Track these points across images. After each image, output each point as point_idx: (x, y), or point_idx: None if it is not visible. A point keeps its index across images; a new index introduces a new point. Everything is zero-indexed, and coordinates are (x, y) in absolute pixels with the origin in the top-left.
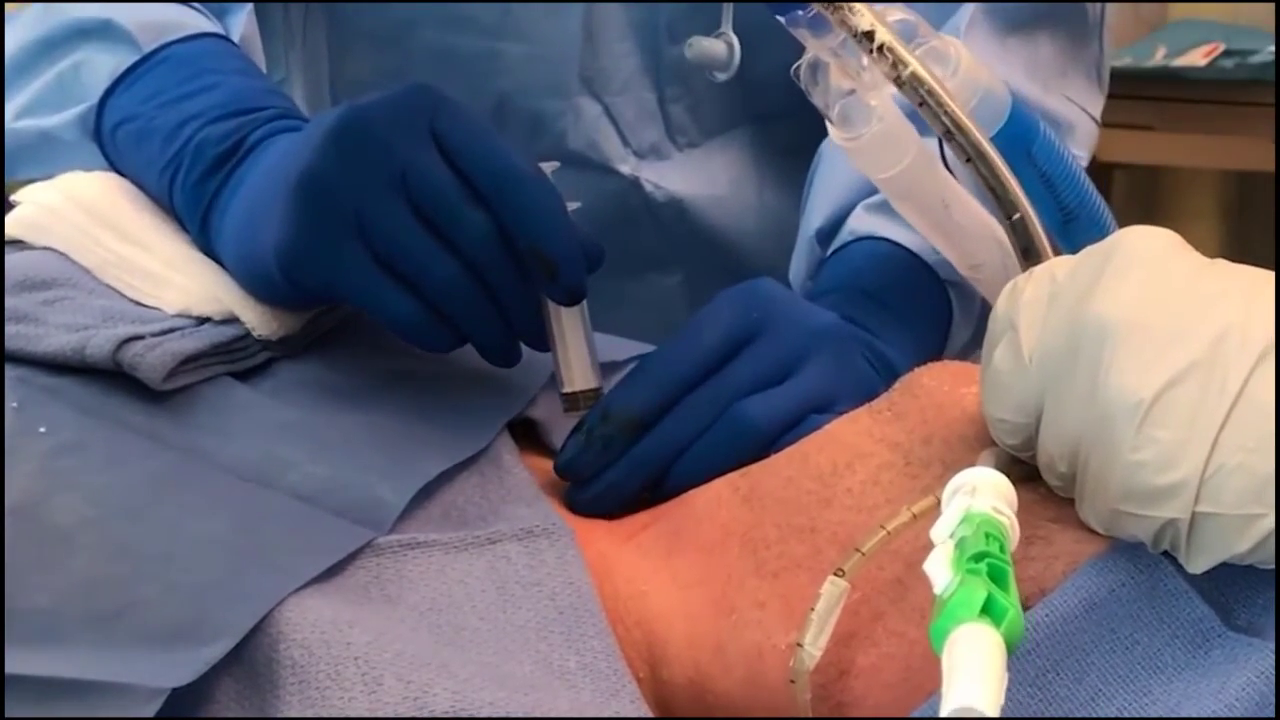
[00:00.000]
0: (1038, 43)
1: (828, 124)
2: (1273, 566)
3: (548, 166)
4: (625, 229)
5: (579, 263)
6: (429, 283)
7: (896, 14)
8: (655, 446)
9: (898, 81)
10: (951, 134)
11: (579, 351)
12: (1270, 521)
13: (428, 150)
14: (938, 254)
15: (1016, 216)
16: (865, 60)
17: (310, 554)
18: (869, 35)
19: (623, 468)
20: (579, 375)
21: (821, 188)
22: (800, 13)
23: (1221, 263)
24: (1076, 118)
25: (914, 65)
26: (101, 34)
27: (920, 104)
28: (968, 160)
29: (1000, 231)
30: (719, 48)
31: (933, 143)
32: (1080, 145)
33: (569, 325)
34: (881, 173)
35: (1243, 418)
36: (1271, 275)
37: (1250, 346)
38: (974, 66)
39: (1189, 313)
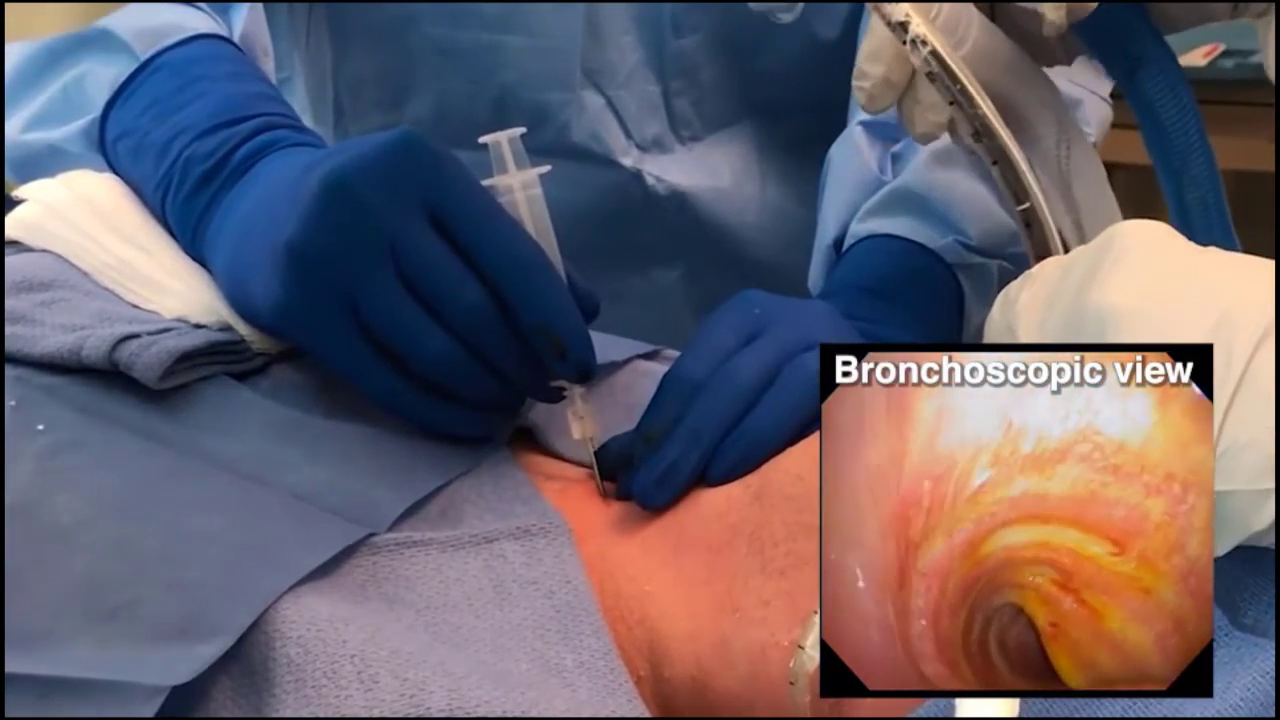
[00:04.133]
0: None
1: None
2: None
3: (539, 170)
4: (626, 222)
5: (588, 342)
6: (420, 358)
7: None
8: (704, 413)
9: (930, 76)
10: (958, 103)
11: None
12: None
13: (418, 220)
14: (943, 239)
15: (1026, 205)
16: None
17: (308, 549)
18: (903, 26)
19: (678, 442)
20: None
21: (832, 197)
22: None
23: (1214, 250)
24: (1083, 95)
25: (948, 59)
26: (101, 44)
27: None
28: (975, 135)
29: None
30: None
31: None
32: (1088, 123)
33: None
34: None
35: (1249, 397)
36: (1265, 260)
37: (1251, 327)
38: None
39: (1189, 298)
